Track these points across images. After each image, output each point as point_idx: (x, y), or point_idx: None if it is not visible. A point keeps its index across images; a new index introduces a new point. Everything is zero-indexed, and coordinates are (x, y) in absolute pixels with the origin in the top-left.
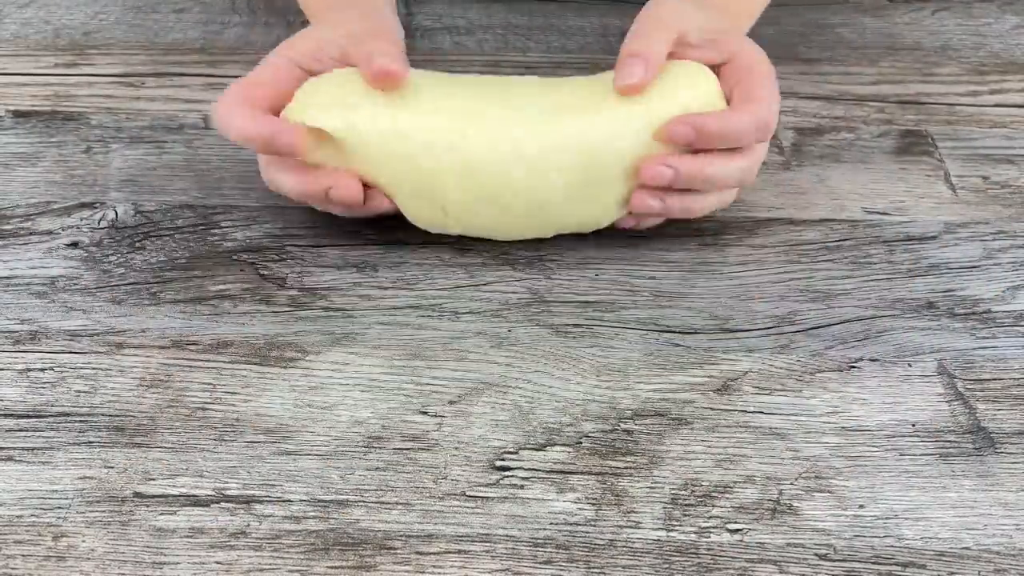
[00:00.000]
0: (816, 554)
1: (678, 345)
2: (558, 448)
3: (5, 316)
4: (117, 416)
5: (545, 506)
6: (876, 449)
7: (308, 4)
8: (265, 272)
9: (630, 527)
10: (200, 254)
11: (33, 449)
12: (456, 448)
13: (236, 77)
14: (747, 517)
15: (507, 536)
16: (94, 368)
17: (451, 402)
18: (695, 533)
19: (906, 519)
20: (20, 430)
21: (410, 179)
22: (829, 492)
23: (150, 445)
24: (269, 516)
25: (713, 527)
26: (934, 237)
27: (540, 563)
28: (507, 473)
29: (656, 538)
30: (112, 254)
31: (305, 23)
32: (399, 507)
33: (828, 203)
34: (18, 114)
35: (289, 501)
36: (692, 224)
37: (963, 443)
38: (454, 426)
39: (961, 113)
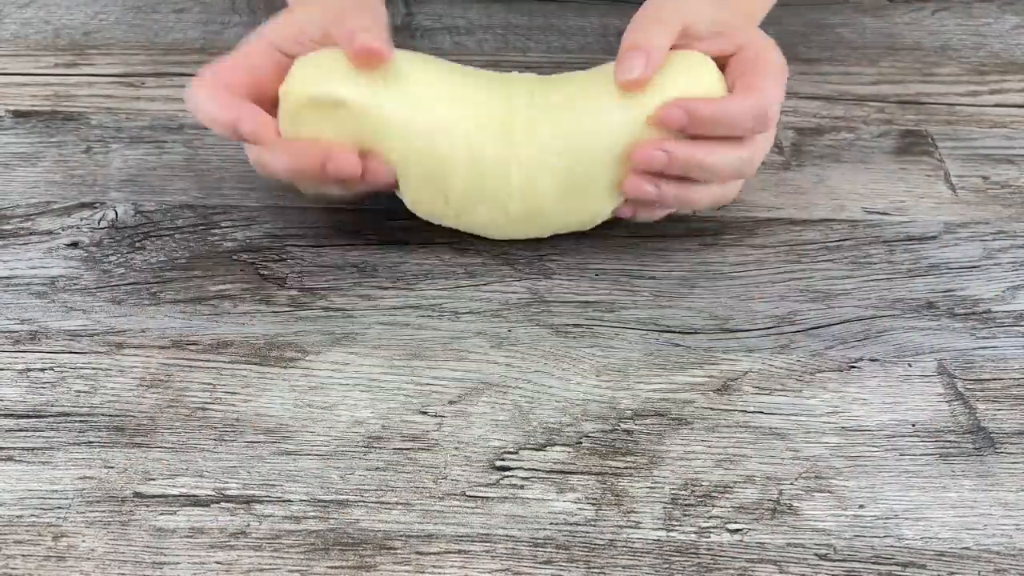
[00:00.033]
0: (816, 554)
1: (678, 345)
2: (558, 448)
3: (5, 316)
4: (117, 416)
5: (545, 506)
6: (876, 449)
7: None
8: (265, 272)
9: (630, 527)
10: (200, 254)
11: (33, 449)
12: (456, 448)
13: None
14: (747, 517)
15: (507, 536)
16: (94, 368)
17: (451, 402)
18: (695, 533)
19: (906, 519)
20: (20, 430)
21: (421, 160)
22: (829, 492)
23: (150, 445)
24: (269, 516)
25: (713, 527)
26: (934, 237)
27: (540, 563)
28: (507, 473)
29: (656, 538)
30: (112, 254)
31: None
32: (399, 507)
33: (828, 203)
34: (18, 114)
35: (289, 501)
36: (692, 224)
37: (963, 443)
38: (454, 426)
39: (961, 113)
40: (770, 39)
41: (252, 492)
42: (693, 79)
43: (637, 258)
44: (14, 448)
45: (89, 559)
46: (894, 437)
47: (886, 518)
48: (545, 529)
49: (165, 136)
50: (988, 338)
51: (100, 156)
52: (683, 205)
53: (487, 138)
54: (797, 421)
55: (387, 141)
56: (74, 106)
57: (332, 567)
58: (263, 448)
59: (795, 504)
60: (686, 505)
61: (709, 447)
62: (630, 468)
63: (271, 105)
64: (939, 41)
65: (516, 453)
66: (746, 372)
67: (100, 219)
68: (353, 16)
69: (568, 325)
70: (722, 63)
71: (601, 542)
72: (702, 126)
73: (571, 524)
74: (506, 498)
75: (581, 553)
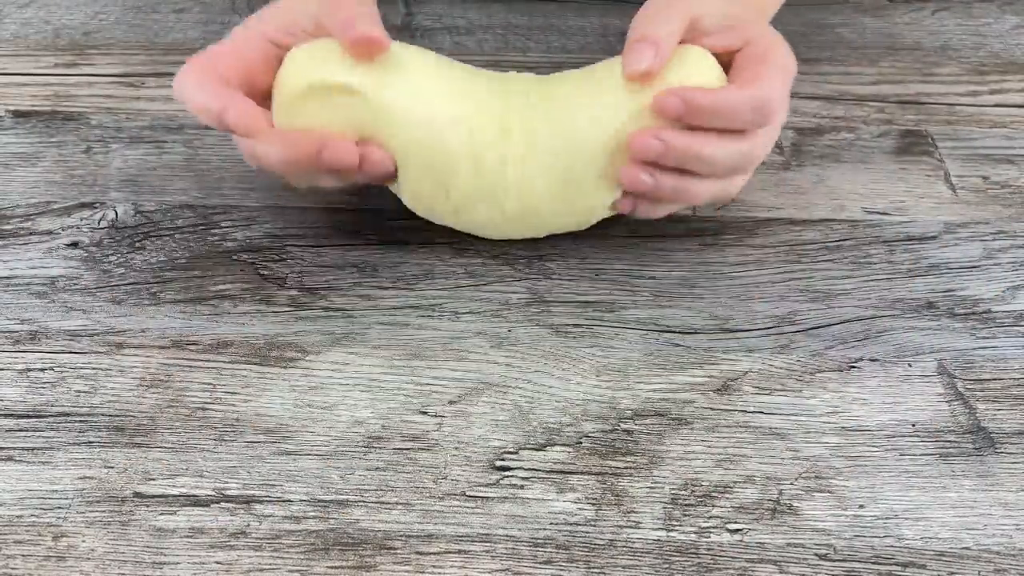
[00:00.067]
0: (816, 554)
1: (678, 345)
2: (558, 448)
3: (5, 316)
4: (117, 416)
5: (545, 506)
6: (876, 449)
7: None
8: (265, 272)
9: (630, 527)
10: (200, 254)
11: (33, 449)
12: (456, 448)
13: None
14: (747, 517)
15: (507, 536)
16: (94, 368)
17: (451, 402)
18: (695, 533)
19: (906, 519)
20: (20, 430)
21: (424, 151)
22: (829, 492)
23: (150, 445)
24: (269, 516)
25: (713, 527)
26: (934, 237)
27: (540, 563)
28: (507, 473)
29: (656, 538)
30: (112, 254)
31: None
32: (399, 507)
33: (828, 203)
34: (18, 114)
35: (289, 501)
36: (692, 224)
37: (963, 443)
38: (454, 426)
39: (961, 113)
40: (780, 36)
41: (252, 492)
42: (690, 72)
43: (637, 258)
44: (14, 448)
45: (89, 559)
46: (894, 437)
47: (886, 518)
48: (545, 529)
49: (165, 136)
50: (988, 338)
51: (100, 156)
52: (681, 198)
53: (487, 134)
54: (797, 421)
55: (388, 129)
56: (74, 106)
57: (332, 567)
58: (263, 448)
59: (795, 504)
60: (686, 505)
61: (709, 447)
62: (630, 468)
63: (261, 97)
64: (939, 41)
65: (516, 453)
66: (746, 372)
67: (100, 219)
68: (348, 5)
69: (568, 325)
70: (730, 58)
71: (601, 542)
72: (700, 115)
73: (571, 524)
74: (506, 498)
75: (581, 553)
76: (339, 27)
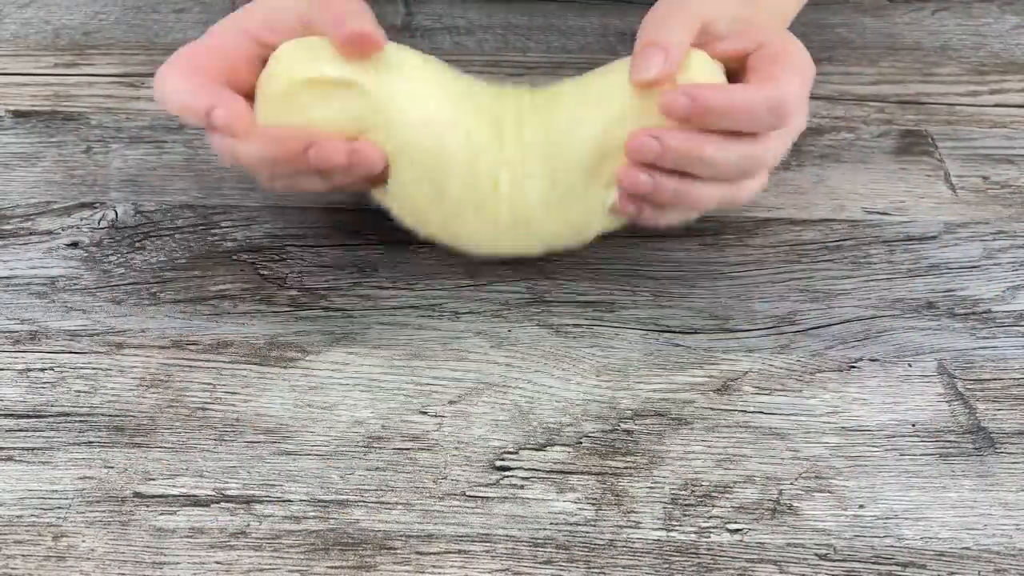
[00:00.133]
0: (816, 554)
1: (678, 345)
2: (558, 448)
3: (5, 316)
4: (117, 416)
5: (545, 506)
6: (876, 449)
7: None
8: (265, 272)
9: (630, 527)
10: (200, 254)
11: (33, 449)
12: (456, 448)
13: None
14: (747, 517)
15: (507, 536)
16: (94, 368)
17: (451, 402)
18: (695, 533)
19: (906, 519)
20: (20, 430)
21: (422, 153)
22: (829, 492)
23: (150, 445)
24: (269, 516)
25: (713, 527)
26: (934, 237)
27: (540, 563)
28: (507, 473)
29: (656, 538)
30: (112, 254)
31: None
32: (399, 507)
33: (828, 203)
34: (18, 114)
35: (289, 501)
36: (692, 224)
37: (963, 443)
38: (454, 426)
39: (961, 113)
40: (795, 37)
41: (252, 492)
42: (692, 77)
43: (637, 258)
44: (14, 448)
45: (89, 559)
46: (894, 437)
47: (886, 518)
48: (545, 529)
49: (165, 136)
50: (988, 338)
51: (100, 156)
52: (684, 202)
53: (482, 140)
54: (797, 421)
55: (384, 129)
56: (74, 106)
57: (332, 567)
58: (263, 448)
59: (795, 504)
60: (686, 505)
61: (709, 447)
62: (630, 468)
63: (243, 97)
64: (939, 41)
65: (516, 453)
66: (746, 372)
67: (100, 219)
68: (339, 2)
69: (568, 325)
70: (743, 63)
71: (601, 542)
72: (709, 115)
73: (571, 524)
74: (506, 498)
75: (581, 553)
76: (331, 23)
